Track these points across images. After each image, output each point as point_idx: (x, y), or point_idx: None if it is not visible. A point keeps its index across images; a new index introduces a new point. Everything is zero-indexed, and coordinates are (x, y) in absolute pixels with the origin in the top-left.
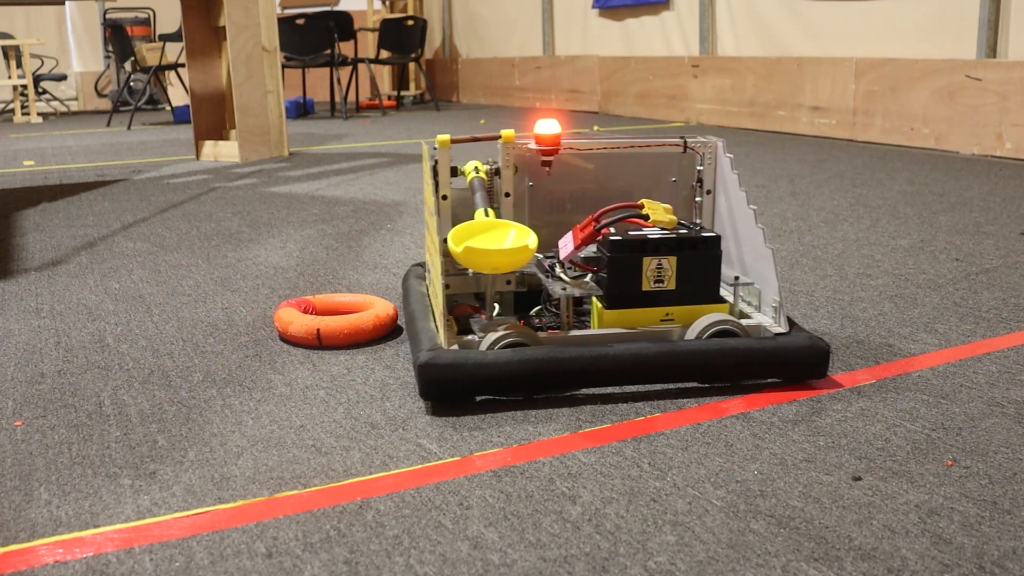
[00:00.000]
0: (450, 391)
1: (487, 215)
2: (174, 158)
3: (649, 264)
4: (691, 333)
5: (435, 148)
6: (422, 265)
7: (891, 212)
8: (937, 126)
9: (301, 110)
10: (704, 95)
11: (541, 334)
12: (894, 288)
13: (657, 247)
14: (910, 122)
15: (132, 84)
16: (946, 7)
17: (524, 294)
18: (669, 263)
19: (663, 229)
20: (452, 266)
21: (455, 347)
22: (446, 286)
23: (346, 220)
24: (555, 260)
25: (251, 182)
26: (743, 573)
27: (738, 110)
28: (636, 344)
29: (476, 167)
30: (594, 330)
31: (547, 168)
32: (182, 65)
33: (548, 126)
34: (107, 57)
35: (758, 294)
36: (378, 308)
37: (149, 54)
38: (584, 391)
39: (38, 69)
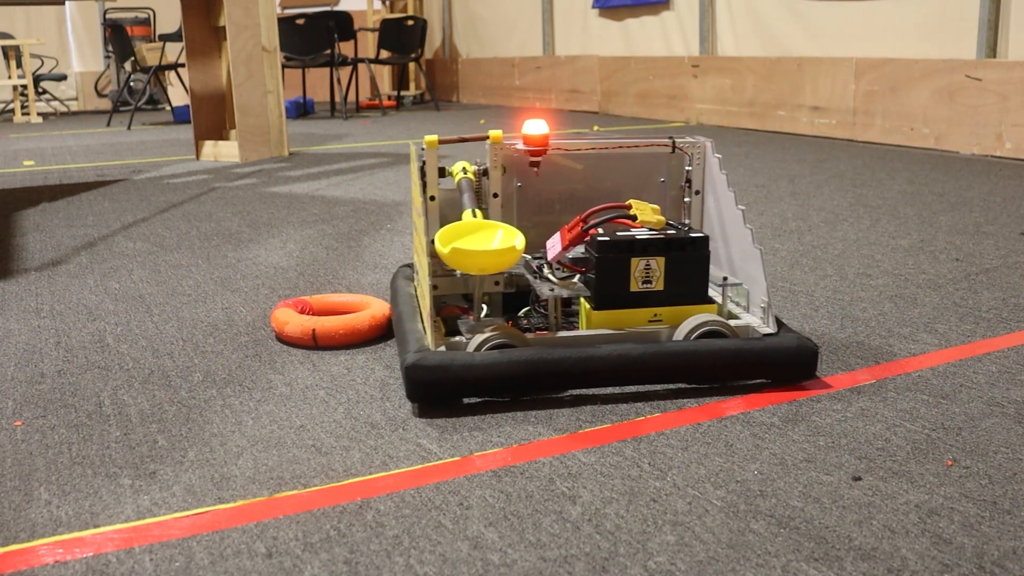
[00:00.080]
0: (437, 393)
1: (474, 216)
2: (174, 158)
3: (637, 265)
4: (679, 334)
5: (423, 149)
6: (411, 266)
7: (891, 212)
8: (937, 126)
9: (301, 110)
10: (704, 95)
11: (529, 335)
12: (894, 288)
13: (645, 248)
14: (910, 122)
15: (132, 84)
16: (946, 7)
17: (513, 295)
18: (657, 264)
19: (651, 230)
20: (440, 267)
21: (442, 349)
22: (434, 287)
23: (346, 220)
24: (543, 261)
25: (251, 182)
26: (743, 573)
27: (738, 110)
28: (624, 345)
29: (464, 168)
30: (582, 331)
31: (535, 169)
32: (182, 65)
33: (536, 126)
34: (107, 57)
35: (746, 295)
36: (374, 308)
37: (149, 54)
38: (583, 392)
39: (38, 69)
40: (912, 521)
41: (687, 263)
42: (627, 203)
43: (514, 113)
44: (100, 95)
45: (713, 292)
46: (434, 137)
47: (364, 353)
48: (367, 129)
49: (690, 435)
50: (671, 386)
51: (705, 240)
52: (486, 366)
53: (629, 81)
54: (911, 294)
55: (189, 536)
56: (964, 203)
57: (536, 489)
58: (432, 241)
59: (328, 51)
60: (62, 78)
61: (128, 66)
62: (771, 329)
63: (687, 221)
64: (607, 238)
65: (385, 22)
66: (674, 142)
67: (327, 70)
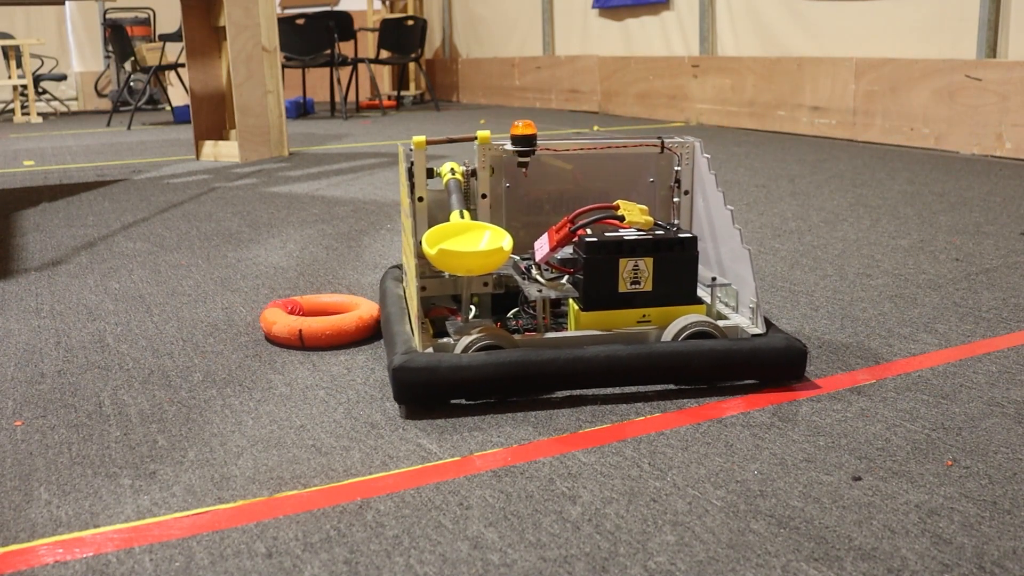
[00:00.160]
0: (424, 395)
1: (462, 217)
2: (174, 158)
3: (625, 266)
4: (668, 335)
5: (411, 150)
6: (400, 267)
7: (891, 212)
8: (937, 126)
9: (301, 110)
10: (704, 95)
11: (517, 336)
12: (894, 288)
13: (633, 248)
14: (910, 122)
15: (132, 84)
16: (946, 7)
17: (502, 296)
18: (645, 264)
19: (639, 230)
20: (428, 268)
21: (430, 350)
22: (422, 288)
23: (346, 220)
24: (531, 262)
25: (251, 182)
26: (743, 573)
27: (738, 110)
28: (612, 346)
29: (452, 168)
30: (570, 332)
31: (524, 169)
32: (182, 65)
33: (524, 127)
34: (107, 57)
35: (735, 295)
36: (362, 309)
37: (149, 54)
38: (583, 392)
39: (38, 69)
40: (912, 521)
41: (676, 264)
42: (615, 204)
43: (514, 113)
44: (100, 95)
45: (702, 293)
46: (422, 138)
47: (364, 353)
48: (367, 129)
49: (690, 435)
50: (670, 387)
51: (694, 240)
52: (474, 368)
53: (629, 81)
54: (911, 294)
55: (189, 536)
56: (964, 203)
57: (536, 489)
58: (420, 242)
59: (328, 51)
60: (62, 78)
61: (128, 66)
62: (760, 330)
63: (676, 221)
64: (595, 239)
65: (385, 22)
66: (663, 142)
67: (327, 70)
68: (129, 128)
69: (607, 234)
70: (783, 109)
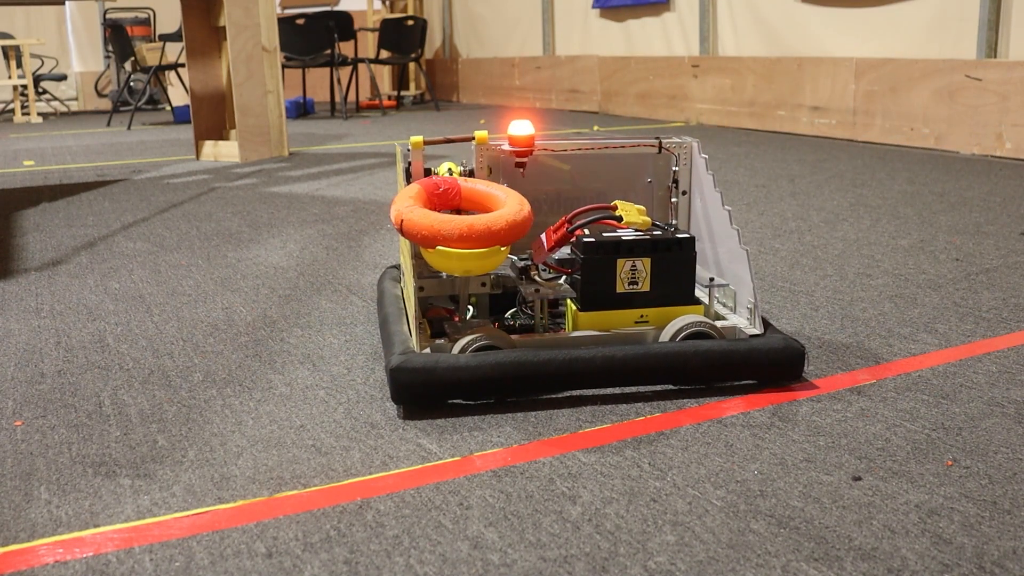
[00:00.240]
0: (422, 395)
1: None
2: (174, 158)
3: (623, 266)
4: (665, 335)
5: (408, 150)
6: (397, 267)
7: (891, 212)
8: (937, 126)
9: (301, 110)
10: (704, 95)
11: (514, 337)
12: (894, 288)
13: (631, 249)
14: (910, 122)
15: (132, 84)
16: (946, 7)
17: (500, 296)
18: (643, 265)
19: (637, 231)
20: (426, 268)
21: (427, 351)
22: (420, 288)
23: (346, 220)
24: (529, 262)
25: (251, 182)
26: (743, 573)
27: (738, 110)
28: (609, 347)
29: (450, 168)
30: (568, 332)
31: (521, 169)
32: (182, 65)
33: (521, 127)
34: (107, 57)
35: (733, 295)
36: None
37: (149, 54)
38: (583, 392)
39: (38, 69)
40: (912, 521)
41: (673, 264)
42: (612, 204)
43: (514, 113)
44: (100, 95)
45: (700, 293)
46: (419, 138)
47: (364, 353)
48: (367, 129)
49: (690, 435)
50: (669, 387)
51: (691, 241)
52: (471, 368)
53: (629, 81)
54: (911, 294)
55: (189, 536)
56: (964, 203)
57: (536, 489)
58: None
59: (328, 51)
60: (62, 78)
61: (128, 66)
62: (757, 330)
63: (674, 222)
64: (593, 239)
65: (385, 22)
66: (660, 142)
67: (327, 70)
68: (129, 128)
69: (605, 234)
70: (783, 109)
